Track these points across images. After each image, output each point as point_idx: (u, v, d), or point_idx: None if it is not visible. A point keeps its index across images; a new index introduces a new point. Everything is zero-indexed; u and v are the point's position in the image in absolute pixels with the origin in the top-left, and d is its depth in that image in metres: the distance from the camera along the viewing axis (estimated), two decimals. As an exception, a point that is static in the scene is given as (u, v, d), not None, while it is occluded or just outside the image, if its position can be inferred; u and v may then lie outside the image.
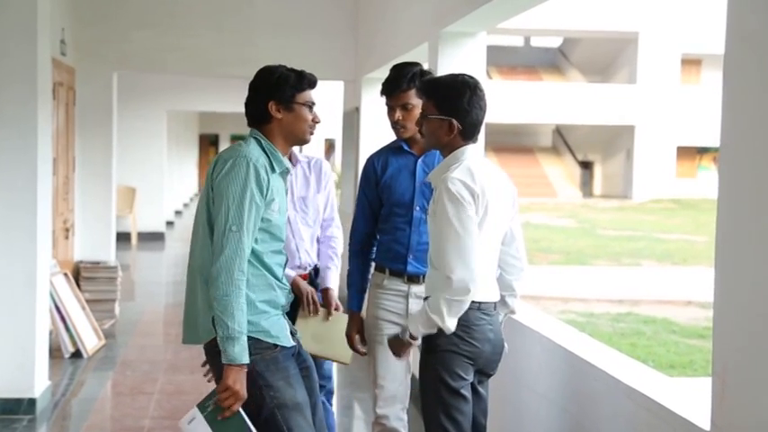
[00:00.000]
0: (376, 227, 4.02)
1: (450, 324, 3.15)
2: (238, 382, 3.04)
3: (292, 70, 3.32)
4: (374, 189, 3.98)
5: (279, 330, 3.21)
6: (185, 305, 3.27)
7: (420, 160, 3.92)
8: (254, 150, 3.18)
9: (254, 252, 3.15)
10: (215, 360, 3.13)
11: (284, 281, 3.30)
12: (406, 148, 3.94)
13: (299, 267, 4.03)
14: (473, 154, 3.28)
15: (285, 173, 3.30)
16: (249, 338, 3.09)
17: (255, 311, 3.14)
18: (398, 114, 3.87)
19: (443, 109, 3.25)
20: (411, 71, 3.88)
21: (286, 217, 3.34)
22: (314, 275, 4.15)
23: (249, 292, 3.13)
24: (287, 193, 3.35)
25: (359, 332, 3.99)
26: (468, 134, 3.27)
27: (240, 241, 3.07)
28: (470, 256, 3.11)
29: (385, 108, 3.95)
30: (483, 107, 3.29)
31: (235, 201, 3.08)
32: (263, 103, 3.26)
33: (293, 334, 3.33)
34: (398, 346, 3.35)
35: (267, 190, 3.14)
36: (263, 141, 3.25)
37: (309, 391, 3.34)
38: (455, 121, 3.23)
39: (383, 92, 3.92)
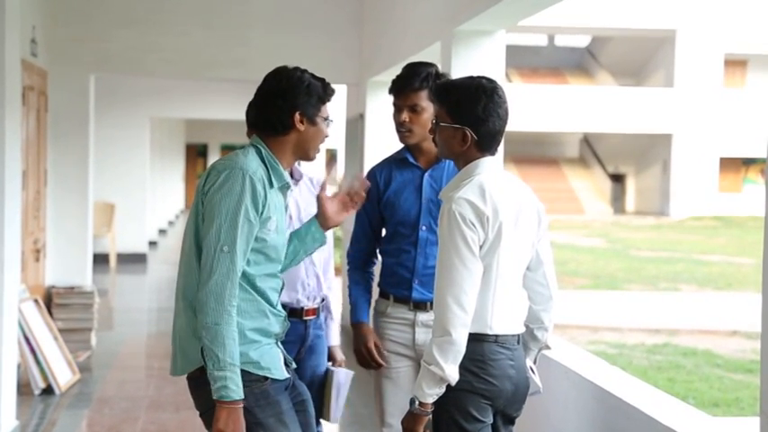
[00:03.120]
0: (376, 246, 4.02)
1: (451, 372, 3.10)
2: (231, 421, 3.02)
3: (316, 78, 3.34)
4: (375, 205, 3.98)
5: (270, 361, 3.20)
6: (172, 332, 3.27)
7: (427, 174, 3.92)
8: (251, 161, 3.17)
9: (245, 275, 3.15)
10: (197, 391, 3.13)
11: (279, 307, 3.30)
12: (411, 159, 3.94)
13: (308, 299, 3.99)
14: (489, 167, 3.24)
15: (285, 188, 3.29)
16: None
17: (245, 341, 3.13)
18: (405, 116, 3.86)
19: (456, 117, 3.23)
20: (426, 71, 3.89)
21: (286, 237, 3.32)
22: (321, 309, 4.10)
23: (239, 318, 3.12)
24: (287, 210, 3.34)
25: (376, 343, 3.96)
26: (485, 145, 3.24)
27: (232, 263, 3.07)
28: (463, 293, 3.10)
29: (391, 111, 3.95)
30: (502, 115, 3.25)
31: (228, 218, 3.08)
32: (288, 112, 3.24)
33: (288, 365, 3.33)
34: (412, 422, 3.19)
35: (264, 207, 3.14)
36: (263, 152, 3.24)
37: (304, 427, 3.34)
38: (469, 131, 3.21)
39: (392, 90, 3.93)
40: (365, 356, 3.97)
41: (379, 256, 4.09)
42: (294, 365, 3.43)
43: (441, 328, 3.09)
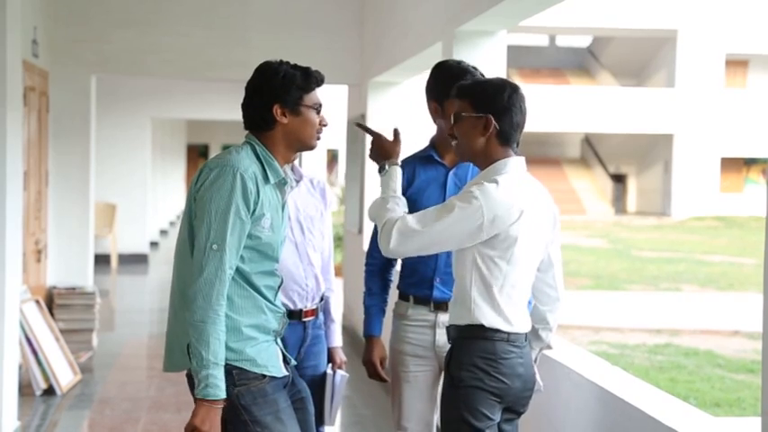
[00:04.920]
0: None
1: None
2: (208, 421, 3.01)
3: (296, 67, 3.28)
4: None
5: (267, 359, 3.20)
6: (167, 328, 3.28)
7: (452, 172, 3.88)
8: (244, 159, 3.15)
9: (240, 272, 3.14)
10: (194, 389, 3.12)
11: (277, 303, 3.29)
12: (436, 157, 3.90)
13: (307, 300, 3.97)
14: (516, 168, 3.26)
15: (282, 183, 3.27)
16: (234, 368, 3.10)
17: (240, 337, 3.13)
18: None
19: (481, 106, 3.25)
20: (467, 65, 3.85)
21: (283, 234, 3.31)
22: (321, 309, 4.09)
23: (235, 315, 3.12)
24: (284, 209, 3.32)
25: (382, 358, 3.98)
26: (506, 137, 3.26)
27: (221, 261, 3.06)
28: (425, 243, 3.19)
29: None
30: (523, 110, 3.29)
31: (218, 216, 3.07)
32: (266, 106, 3.22)
33: (287, 362, 3.32)
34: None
35: (256, 204, 3.12)
36: (258, 148, 3.22)
37: (303, 424, 3.33)
38: (492, 119, 3.23)
39: (453, 94, 3.59)
40: (374, 367, 3.98)
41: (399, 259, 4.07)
42: (294, 363, 3.42)
43: (389, 248, 3.22)
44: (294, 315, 3.90)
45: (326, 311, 4.15)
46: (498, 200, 3.15)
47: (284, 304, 3.86)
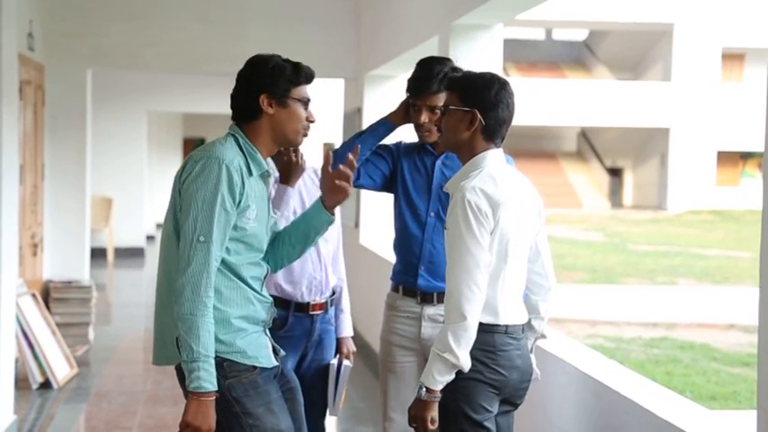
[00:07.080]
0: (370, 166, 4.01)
1: (465, 359, 3.13)
2: (200, 414, 3.01)
3: (288, 61, 3.30)
4: (388, 160, 4.01)
5: (257, 350, 3.20)
6: (154, 322, 3.28)
7: (439, 160, 3.95)
8: (228, 150, 3.15)
9: (227, 264, 3.14)
10: (185, 382, 3.12)
11: (264, 293, 3.29)
12: (427, 146, 3.99)
13: (314, 294, 3.96)
14: (497, 159, 3.28)
15: (266, 176, 3.28)
16: (225, 360, 3.10)
17: (230, 329, 3.13)
18: (424, 116, 3.89)
19: (467, 100, 3.26)
20: (442, 70, 3.88)
21: (267, 226, 3.31)
22: (330, 304, 4.08)
23: (224, 307, 3.12)
24: (269, 199, 3.33)
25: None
26: (491, 133, 3.27)
27: (209, 253, 3.05)
28: (482, 283, 3.13)
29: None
30: (511, 107, 3.30)
31: (204, 208, 3.07)
32: (253, 95, 3.22)
33: (276, 352, 3.32)
34: (421, 408, 3.18)
35: (241, 195, 3.13)
36: (241, 139, 3.22)
37: (294, 415, 3.35)
38: (478, 114, 3.24)
39: (409, 90, 3.94)
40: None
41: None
42: (283, 353, 3.41)
43: (456, 313, 3.10)
44: (302, 308, 3.90)
45: (337, 300, 4.16)
46: (486, 200, 3.16)
47: (291, 296, 3.88)
